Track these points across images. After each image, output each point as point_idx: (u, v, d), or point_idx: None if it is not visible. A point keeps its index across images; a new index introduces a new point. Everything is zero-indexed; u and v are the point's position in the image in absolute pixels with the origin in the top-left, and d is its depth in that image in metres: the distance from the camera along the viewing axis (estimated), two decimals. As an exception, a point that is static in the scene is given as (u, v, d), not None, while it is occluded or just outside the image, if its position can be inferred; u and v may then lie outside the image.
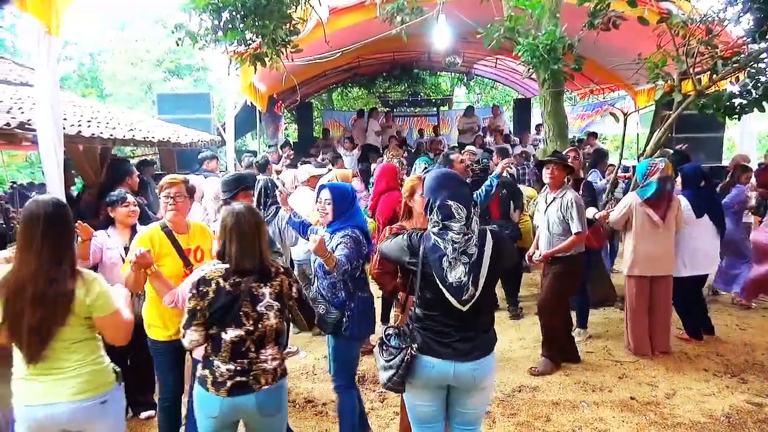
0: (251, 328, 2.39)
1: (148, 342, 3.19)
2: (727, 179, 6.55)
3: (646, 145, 5.81)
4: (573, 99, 14.73)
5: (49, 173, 3.76)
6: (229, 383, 2.37)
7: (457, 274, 2.37)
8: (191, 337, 2.40)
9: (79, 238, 3.35)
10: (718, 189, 6.20)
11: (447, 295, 2.37)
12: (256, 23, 4.49)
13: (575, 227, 4.42)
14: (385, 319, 5.29)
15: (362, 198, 7.20)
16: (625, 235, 4.89)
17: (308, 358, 4.98)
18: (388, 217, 4.79)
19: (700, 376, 4.47)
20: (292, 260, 5.49)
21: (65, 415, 2.23)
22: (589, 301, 5.59)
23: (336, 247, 3.14)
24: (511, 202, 6.03)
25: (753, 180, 6.52)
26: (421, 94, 17.81)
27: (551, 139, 6.36)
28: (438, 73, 18.21)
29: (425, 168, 4.97)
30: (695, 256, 5.01)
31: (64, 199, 3.01)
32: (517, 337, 5.43)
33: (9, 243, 4.66)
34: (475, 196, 3.14)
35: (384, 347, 2.53)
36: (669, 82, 5.01)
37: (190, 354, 3.05)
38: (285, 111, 14.83)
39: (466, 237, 2.39)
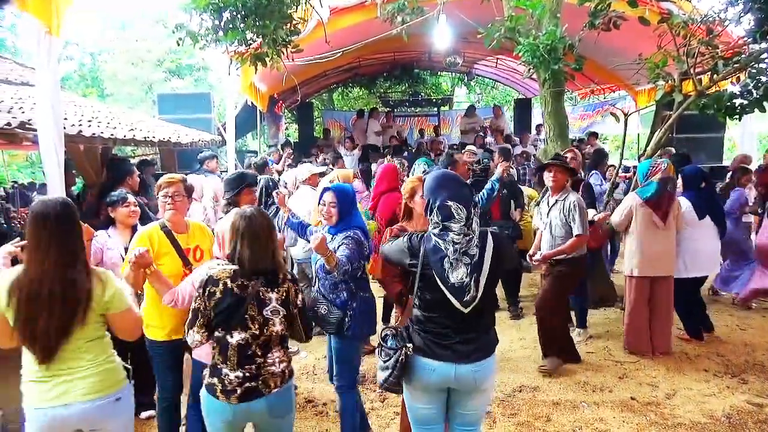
0: (257, 332, 2.39)
1: (146, 342, 3.18)
2: (727, 180, 6.55)
3: (647, 145, 5.81)
4: (574, 99, 14.73)
5: (50, 173, 3.76)
6: (239, 390, 2.37)
7: (458, 274, 2.36)
8: (194, 336, 2.41)
9: None
10: (718, 190, 6.20)
11: (449, 296, 2.37)
12: (257, 23, 4.50)
13: (576, 229, 4.41)
14: (386, 319, 5.29)
15: (363, 198, 7.20)
16: (626, 236, 4.89)
17: (308, 358, 4.98)
18: (388, 218, 4.79)
19: (700, 376, 4.47)
20: (292, 260, 5.49)
21: (80, 414, 2.23)
22: (589, 301, 5.60)
23: (338, 247, 3.15)
24: (512, 201, 6.03)
25: (754, 180, 6.51)
26: (422, 94, 17.79)
27: (552, 140, 6.36)
28: (438, 73, 18.22)
29: (425, 169, 4.97)
30: (696, 257, 5.01)
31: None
32: (518, 337, 5.43)
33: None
34: (476, 198, 3.14)
35: (381, 348, 2.53)
36: (670, 82, 5.00)
37: (190, 354, 3.05)
38: (285, 111, 14.83)
39: (467, 238, 2.39)
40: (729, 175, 6.75)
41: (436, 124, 16.03)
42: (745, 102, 4.63)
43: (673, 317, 4.99)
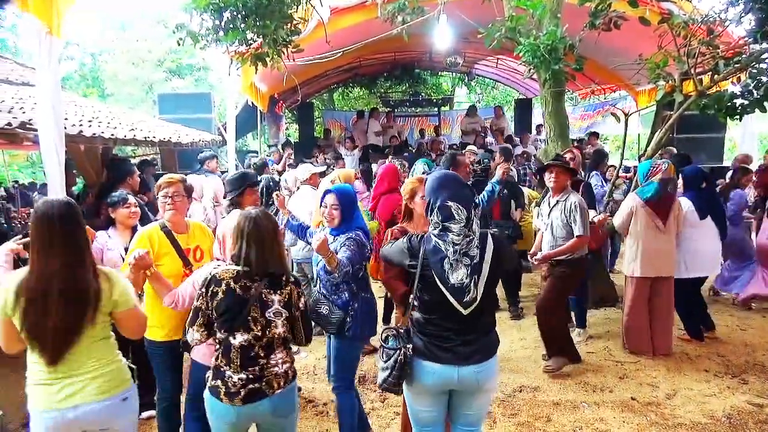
0: (259, 334, 2.40)
1: (145, 342, 3.18)
2: (727, 180, 6.55)
3: (647, 145, 5.81)
4: (574, 99, 14.73)
5: (51, 173, 3.76)
6: (242, 392, 2.37)
7: (459, 275, 2.36)
8: (193, 335, 2.42)
9: None
10: (718, 189, 6.19)
11: (448, 296, 2.37)
12: (257, 23, 4.50)
13: (577, 230, 4.41)
14: (386, 320, 5.29)
15: (364, 199, 7.20)
16: (627, 236, 4.89)
17: (309, 358, 4.98)
18: (388, 218, 4.80)
19: (701, 376, 4.46)
20: (291, 260, 5.49)
21: (88, 416, 2.23)
22: (589, 301, 5.60)
23: (339, 248, 3.15)
24: (513, 201, 6.03)
25: (754, 179, 6.51)
26: (422, 94, 17.80)
27: (552, 140, 6.35)
28: (439, 73, 18.21)
29: (425, 170, 4.97)
30: (697, 257, 5.01)
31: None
32: (518, 338, 5.43)
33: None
34: (477, 200, 3.14)
35: (382, 348, 2.53)
36: (670, 82, 5.00)
37: (189, 354, 3.05)
38: (286, 111, 14.84)
39: (468, 239, 2.38)
40: (729, 174, 6.75)
41: (437, 124, 16.02)
42: (746, 102, 4.62)
43: (674, 318, 4.99)
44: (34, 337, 2.16)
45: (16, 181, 13.88)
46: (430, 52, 13.25)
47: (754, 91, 4.58)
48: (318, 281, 3.36)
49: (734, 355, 4.86)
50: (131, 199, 3.87)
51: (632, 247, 4.80)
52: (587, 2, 4.97)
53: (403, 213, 3.44)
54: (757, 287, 5.75)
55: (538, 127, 12.74)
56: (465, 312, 2.37)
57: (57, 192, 3.68)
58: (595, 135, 11.12)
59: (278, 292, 2.47)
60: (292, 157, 9.78)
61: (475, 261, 2.38)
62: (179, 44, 4.63)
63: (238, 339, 2.38)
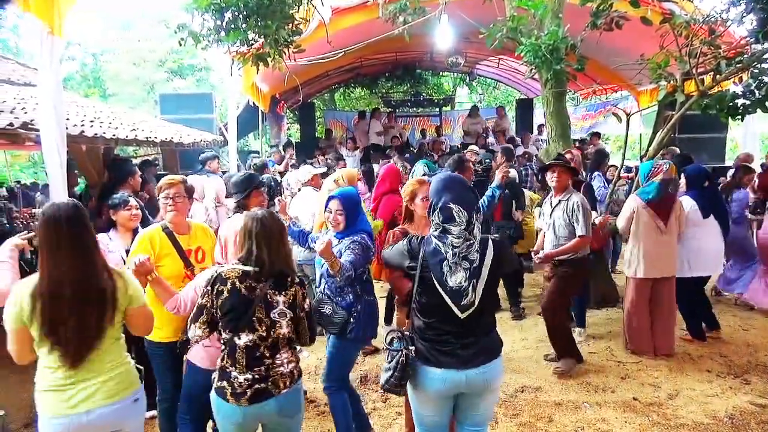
0: (264, 334, 2.41)
1: (145, 343, 3.18)
2: (729, 179, 6.54)
3: (649, 145, 5.80)
4: (576, 99, 14.73)
5: (52, 173, 3.76)
6: (249, 392, 2.38)
7: (457, 279, 2.36)
8: (195, 331, 2.43)
9: None
10: (719, 188, 6.19)
11: (446, 299, 2.37)
12: (259, 23, 4.50)
13: (580, 230, 4.40)
14: (387, 320, 5.29)
15: (365, 200, 7.20)
16: (628, 236, 4.88)
17: (311, 359, 4.97)
18: (388, 219, 4.80)
19: (703, 376, 4.46)
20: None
21: (101, 419, 2.23)
22: (590, 301, 5.59)
23: (344, 251, 3.15)
24: (514, 202, 6.02)
25: (756, 181, 6.50)
26: (424, 94, 17.82)
27: (554, 140, 6.35)
28: (440, 73, 18.21)
29: (425, 172, 4.97)
30: (699, 256, 5.00)
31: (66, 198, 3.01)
32: (520, 338, 5.43)
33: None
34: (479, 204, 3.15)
35: (387, 350, 2.54)
36: (672, 82, 5.00)
37: (185, 356, 3.05)
38: (287, 111, 14.84)
39: (468, 243, 2.38)
40: (731, 173, 6.74)
41: (438, 124, 16.03)
42: (748, 102, 4.62)
43: (676, 318, 4.98)
44: (55, 341, 2.14)
45: (18, 182, 13.90)
46: (431, 52, 13.25)
47: (756, 91, 4.59)
48: (322, 282, 3.36)
49: (736, 355, 4.86)
50: (132, 201, 3.86)
51: (634, 248, 4.79)
52: (589, 2, 4.97)
53: (404, 214, 3.45)
54: (757, 297, 5.77)
55: (540, 127, 12.73)
56: (462, 315, 2.37)
57: (59, 192, 3.69)
58: (597, 135, 11.12)
59: (283, 292, 2.47)
60: (294, 157, 9.79)
61: (474, 265, 2.38)
62: (181, 44, 4.64)
63: (243, 339, 2.38)
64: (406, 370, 2.43)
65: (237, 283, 2.39)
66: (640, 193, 4.76)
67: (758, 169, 6.77)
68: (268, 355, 2.42)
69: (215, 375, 2.47)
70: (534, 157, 9.72)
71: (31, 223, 6.47)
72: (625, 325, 4.96)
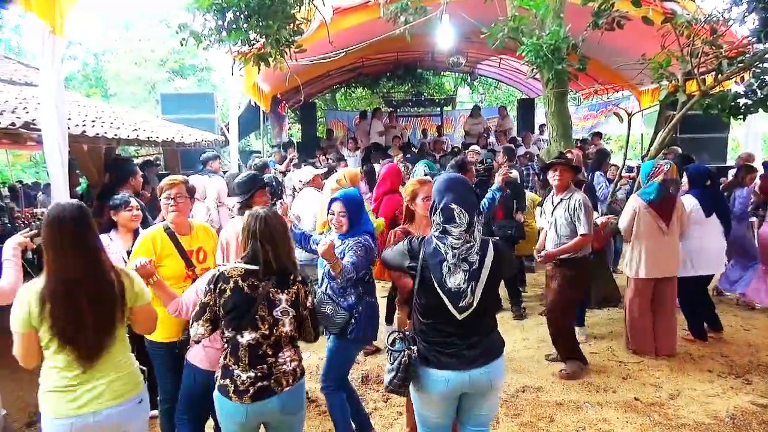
0: (267, 332, 2.41)
1: (146, 343, 3.18)
2: (730, 179, 6.53)
3: (651, 145, 5.80)
4: (577, 99, 14.71)
5: (54, 173, 3.77)
6: (251, 390, 2.38)
7: (456, 280, 2.36)
8: (197, 329, 2.43)
9: None
10: (721, 188, 6.19)
11: (445, 300, 2.37)
12: (260, 23, 4.50)
13: (582, 229, 4.39)
14: (388, 320, 5.29)
15: (366, 200, 7.19)
16: (630, 237, 4.88)
17: (312, 359, 4.97)
18: (389, 219, 4.80)
19: (704, 377, 4.45)
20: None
21: (107, 420, 2.23)
22: (590, 300, 5.58)
23: (346, 252, 3.16)
24: (515, 201, 6.01)
25: (757, 181, 6.49)
26: (425, 94, 17.81)
27: (555, 140, 6.34)
28: (442, 73, 18.21)
29: (426, 172, 4.97)
30: (701, 255, 5.00)
31: (68, 198, 3.01)
32: (521, 338, 5.42)
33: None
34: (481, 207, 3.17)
35: (389, 351, 2.54)
36: (673, 82, 4.99)
37: (185, 356, 3.05)
38: (289, 111, 14.84)
39: (468, 245, 2.38)
40: (733, 173, 6.73)
41: (439, 124, 16.02)
42: (750, 102, 4.61)
43: (677, 318, 4.97)
44: (67, 342, 2.14)
45: (20, 181, 13.92)
46: (432, 52, 13.25)
47: (758, 91, 4.57)
48: (324, 282, 3.36)
49: (738, 355, 4.85)
50: (133, 202, 3.85)
51: (635, 249, 4.78)
52: (590, 2, 4.97)
53: (405, 215, 3.45)
54: (758, 297, 5.76)
55: (541, 126, 12.72)
56: (459, 317, 2.37)
57: (60, 192, 3.69)
58: (599, 135, 11.10)
59: (285, 290, 2.48)
60: (296, 158, 9.79)
61: (474, 267, 2.37)
62: (182, 44, 4.64)
63: (246, 337, 2.39)
64: (408, 370, 2.43)
65: (240, 281, 2.40)
66: (641, 194, 4.76)
67: (760, 169, 6.77)
68: (270, 353, 2.43)
69: (218, 373, 2.48)
70: (535, 157, 9.72)
71: (33, 223, 6.48)
72: (627, 325, 4.96)
